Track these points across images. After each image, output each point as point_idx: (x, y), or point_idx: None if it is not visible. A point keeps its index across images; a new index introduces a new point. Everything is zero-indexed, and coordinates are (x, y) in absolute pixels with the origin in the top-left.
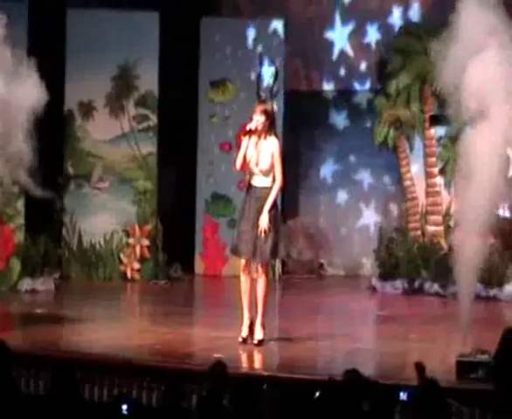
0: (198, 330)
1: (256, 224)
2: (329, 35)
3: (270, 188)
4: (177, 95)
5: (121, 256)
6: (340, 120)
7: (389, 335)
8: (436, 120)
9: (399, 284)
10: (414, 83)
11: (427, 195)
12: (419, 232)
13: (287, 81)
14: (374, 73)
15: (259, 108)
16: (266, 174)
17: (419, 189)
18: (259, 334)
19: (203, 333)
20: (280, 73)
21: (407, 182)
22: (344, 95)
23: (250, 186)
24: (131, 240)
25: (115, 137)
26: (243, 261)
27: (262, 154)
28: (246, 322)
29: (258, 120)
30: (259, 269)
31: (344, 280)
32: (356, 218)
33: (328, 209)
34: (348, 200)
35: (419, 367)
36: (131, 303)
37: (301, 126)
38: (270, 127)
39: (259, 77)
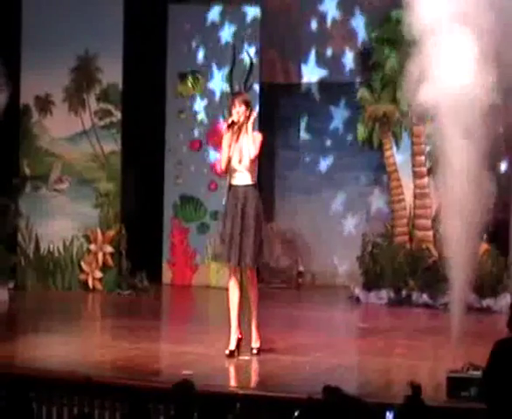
0: (165, 345)
1: (242, 227)
2: (309, 23)
3: (254, 185)
4: (143, 89)
5: (82, 264)
6: (320, 115)
7: (373, 350)
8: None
9: (384, 294)
10: (400, 76)
11: (415, 196)
12: (407, 238)
13: (263, 73)
14: (358, 65)
15: (238, 99)
16: (249, 170)
17: (407, 191)
18: (256, 342)
19: (170, 349)
20: (255, 64)
21: (393, 183)
22: (325, 89)
23: (231, 186)
24: (92, 246)
25: (75, 134)
26: (231, 268)
27: (245, 149)
28: (234, 335)
29: (238, 112)
30: (248, 274)
31: (324, 290)
32: (338, 223)
33: (306, 212)
34: (328, 203)
35: (414, 387)
36: (92, 315)
37: (278, 122)
38: (252, 120)
39: (233, 69)
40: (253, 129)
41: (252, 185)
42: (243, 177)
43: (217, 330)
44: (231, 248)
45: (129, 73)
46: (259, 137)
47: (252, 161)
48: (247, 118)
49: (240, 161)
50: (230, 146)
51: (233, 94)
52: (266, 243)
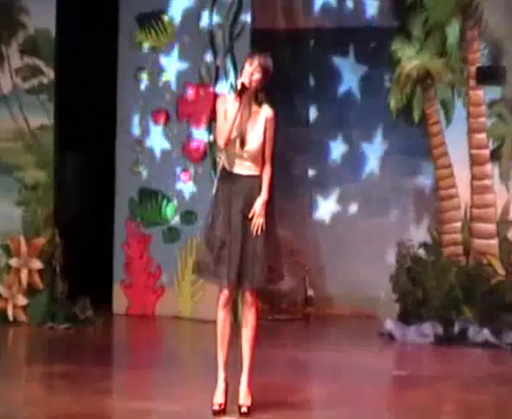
0: (118, 401)
1: (243, 232)
2: None
3: (259, 177)
4: (85, 37)
5: None
6: (335, 74)
7: (413, 407)
8: (486, 76)
9: (429, 329)
10: (451, 19)
11: (473, 191)
12: (460, 249)
13: (257, 15)
14: (389, 5)
15: (257, 60)
16: (254, 157)
17: (461, 183)
18: (246, 399)
19: (125, 406)
20: (246, 3)
21: (442, 172)
22: (342, 37)
23: (227, 174)
24: (14, 261)
25: None
26: (221, 292)
27: (252, 130)
28: (222, 384)
29: (253, 74)
30: (248, 299)
31: (343, 323)
32: (362, 229)
33: (318, 213)
34: (348, 200)
35: None
36: (14, 359)
37: (277, 85)
38: (263, 92)
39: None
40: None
41: (258, 176)
42: (246, 165)
43: (192, 378)
44: (224, 261)
45: (66, 16)
46: (269, 113)
47: (261, 147)
48: (260, 90)
49: (244, 145)
50: (235, 117)
51: (256, 52)
52: (279, 257)
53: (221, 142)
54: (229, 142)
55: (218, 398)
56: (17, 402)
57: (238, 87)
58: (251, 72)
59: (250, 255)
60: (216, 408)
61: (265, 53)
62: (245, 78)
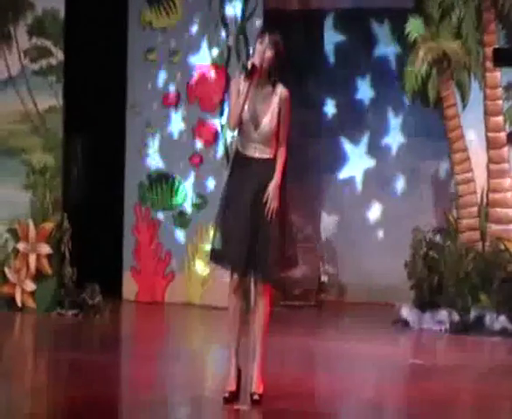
0: (127, 390)
1: (255, 216)
2: None
3: (273, 160)
4: (94, 18)
5: (6, 271)
6: (350, 56)
7: (429, 397)
8: (503, 58)
9: (445, 316)
10: (467, 0)
11: (490, 175)
12: (477, 234)
13: None
14: None
15: (269, 39)
16: (267, 140)
17: (477, 167)
18: (258, 387)
19: (134, 396)
20: None
21: (458, 155)
22: (356, 17)
23: (240, 157)
24: (21, 246)
25: None
26: (233, 277)
27: (265, 111)
28: (233, 371)
29: (265, 52)
30: (259, 288)
31: (358, 310)
32: (377, 214)
33: (332, 198)
34: (363, 186)
35: None
36: (20, 347)
37: (290, 63)
38: (277, 71)
39: None
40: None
41: (272, 159)
42: (259, 149)
43: (202, 366)
44: (236, 245)
45: None
46: (284, 94)
47: (275, 129)
48: (272, 69)
49: (256, 128)
50: (245, 98)
51: (266, 30)
52: (293, 244)
53: (231, 124)
54: (240, 124)
55: (230, 385)
56: (23, 390)
57: (249, 68)
58: (262, 51)
59: (263, 241)
60: (227, 395)
61: (275, 32)
62: (256, 59)
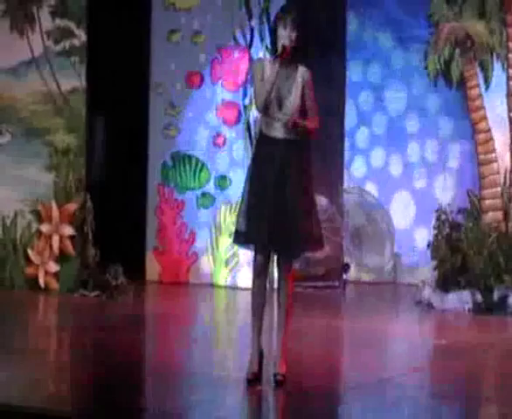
0: (147, 368)
1: (280, 196)
2: None
3: (299, 141)
4: None
5: (29, 252)
6: (374, 36)
7: (454, 377)
8: None
9: (468, 296)
10: None
11: None
12: (500, 214)
13: None
14: None
15: (292, 19)
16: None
17: (501, 147)
18: (281, 367)
19: (156, 373)
20: None
21: (481, 136)
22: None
23: (265, 138)
24: (45, 227)
25: (19, 64)
26: (257, 258)
27: (289, 92)
28: (256, 353)
29: (291, 36)
30: (284, 269)
31: (380, 291)
32: (399, 193)
33: (356, 180)
34: (385, 165)
35: None
36: (43, 327)
37: (314, 43)
38: (298, 50)
39: None
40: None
41: (297, 140)
42: (283, 128)
43: (226, 346)
44: (261, 228)
45: None
46: (306, 74)
47: (299, 108)
48: (296, 50)
49: (280, 108)
50: (275, 80)
51: (285, 10)
52: (318, 225)
53: (259, 106)
54: (267, 106)
55: (252, 367)
56: (47, 369)
57: (279, 51)
58: (288, 33)
59: (289, 220)
60: (250, 376)
61: (296, 12)
62: (286, 41)
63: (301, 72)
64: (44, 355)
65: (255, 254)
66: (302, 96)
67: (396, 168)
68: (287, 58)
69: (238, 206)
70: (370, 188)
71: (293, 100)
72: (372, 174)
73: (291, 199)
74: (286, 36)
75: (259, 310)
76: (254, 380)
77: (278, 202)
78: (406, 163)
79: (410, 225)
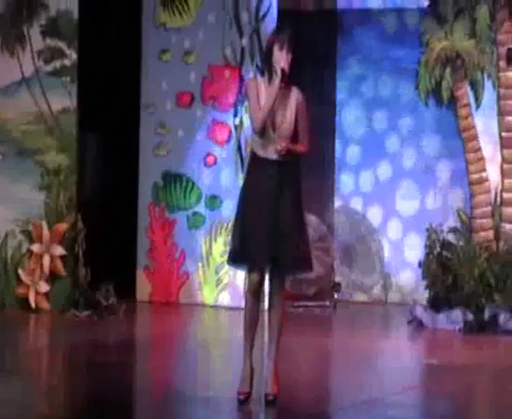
0: (140, 389)
1: (274, 218)
2: None
3: (292, 163)
4: (109, 18)
5: (20, 272)
6: (365, 55)
7: (445, 397)
8: None
9: (459, 315)
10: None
11: (504, 174)
12: (491, 233)
13: None
14: None
15: (288, 41)
16: (285, 141)
17: (491, 166)
18: (273, 387)
19: (147, 394)
20: None
21: (471, 155)
22: (371, 18)
23: (258, 159)
24: (36, 247)
25: (11, 84)
26: (251, 277)
27: (282, 113)
28: (247, 371)
29: (287, 58)
30: (277, 287)
31: (372, 310)
32: (391, 213)
33: (347, 199)
34: (376, 185)
35: None
36: (34, 347)
37: (305, 64)
38: (294, 73)
39: None
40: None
41: (289, 161)
42: (276, 149)
43: (216, 366)
44: (254, 246)
45: None
46: (300, 96)
47: (291, 131)
48: (289, 70)
49: (274, 128)
50: (274, 102)
51: (281, 32)
52: (308, 247)
53: (257, 127)
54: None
55: (244, 385)
56: (38, 391)
57: (278, 74)
58: (285, 56)
59: (281, 241)
60: (241, 397)
61: (290, 33)
62: (284, 65)
63: (295, 94)
64: (34, 376)
65: (249, 273)
66: (296, 118)
67: (386, 187)
68: (282, 80)
69: (231, 226)
70: (360, 206)
71: (287, 123)
72: (362, 192)
73: (285, 219)
74: (283, 58)
75: (252, 328)
76: (245, 399)
77: (272, 223)
78: (396, 182)
79: (400, 244)
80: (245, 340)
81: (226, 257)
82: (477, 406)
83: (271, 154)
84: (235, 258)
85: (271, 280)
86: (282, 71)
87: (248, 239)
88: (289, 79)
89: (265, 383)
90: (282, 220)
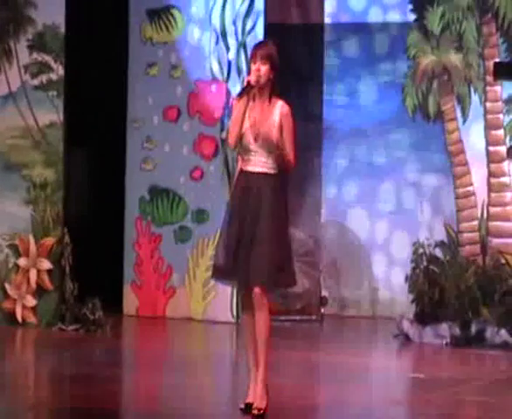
0: (127, 403)
1: (254, 232)
2: None
3: (274, 174)
4: (95, 33)
5: (6, 286)
6: (351, 70)
7: (430, 411)
8: (504, 72)
9: (446, 330)
10: (468, 14)
11: (490, 188)
12: (477, 248)
13: (269, 9)
14: None
15: (261, 53)
16: (267, 152)
17: (478, 181)
18: (260, 401)
19: (134, 409)
20: None
21: (458, 169)
22: (358, 31)
23: (242, 173)
24: (22, 261)
25: None
26: (240, 291)
27: (264, 125)
28: (252, 383)
29: (259, 70)
30: (257, 297)
31: (359, 324)
32: (377, 228)
33: (333, 211)
34: (364, 197)
35: None
36: (21, 361)
37: (291, 80)
38: (274, 83)
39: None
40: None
41: (273, 174)
42: (259, 161)
43: (203, 380)
44: (240, 262)
45: (76, 11)
46: (284, 109)
47: (276, 142)
48: (269, 81)
49: (256, 140)
50: (243, 115)
51: (255, 45)
52: (290, 261)
53: (231, 143)
54: (239, 141)
55: (247, 397)
56: (24, 405)
57: (245, 86)
58: (256, 67)
59: (259, 253)
60: (242, 406)
61: (267, 44)
62: (251, 76)
63: (279, 107)
64: (20, 391)
65: (238, 288)
66: (280, 131)
67: (373, 201)
68: (261, 92)
69: (216, 241)
70: (347, 220)
71: (269, 134)
72: (349, 206)
73: (263, 232)
74: (253, 70)
75: (250, 342)
76: (246, 408)
77: (253, 236)
78: (384, 196)
79: (388, 258)
80: (247, 354)
81: (211, 271)
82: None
83: (253, 166)
84: (218, 274)
85: (251, 293)
86: (248, 83)
87: (230, 256)
88: (271, 92)
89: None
90: (261, 232)
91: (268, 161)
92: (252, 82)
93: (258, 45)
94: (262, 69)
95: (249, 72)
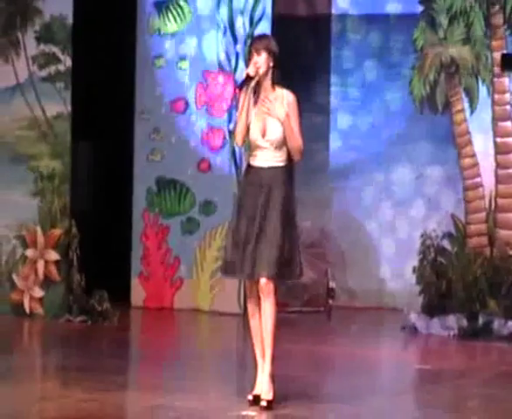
0: (134, 395)
1: (262, 225)
2: None
3: (284, 167)
4: (102, 24)
5: (14, 277)
6: (359, 62)
7: (437, 403)
8: (511, 63)
9: (453, 321)
10: (475, 6)
11: (498, 180)
12: (485, 240)
13: (279, 1)
14: None
15: (258, 44)
16: (277, 146)
17: (486, 172)
18: (267, 392)
19: (142, 401)
20: None
21: (466, 161)
22: (365, 24)
23: (250, 168)
24: (30, 252)
25: (4, 89)
26: (247, 285)
27: (271, 117)
28: (259, 375)
29: (257, 63)
30: (263, 287)
31: (366, 316)
32: (385, 219)
33: (340, 204)
34: (371, 190)
35: None
36: (29, 352)
37: (298, 72)
38: (276, 69)
39: None
40: (279, 86)
41: (281, 167)
42: (268, 156)
43: (210, 372)
44: (247, 255)
45: (83, 2)
46: (290, 97)
47: (284, 134)
48: (270, 71)
49: (264, 134)
50: (246, 110)
51: (252, 38)
52: (297, 253)
53: (237, 141)
54: (247, 137)
55: (255, 389)
56: (30, 397)
57: (243, 79)
58: (254, 60)
59: (266, 245)
60: (250, 397)
61: (261, 36)
62: (250, 69)
63: (284, 96)
64: (28, 382)
65: (246, 282)
66: (288, 120)
67: (380, 192)
68: (265, 85)
69: (225, 235)
70: (355, 212)
71: (276, 126)
72: (357, 198)
73: (271, 225)
74: (252, 62)
75: (257, 333)
76: (254, 401)
77: (260, 229)
78: (390, 187)
79: (395, 250)
80: (254, 345)
81: (220, 266)
82: (467, 411)
83: (262, 161)
84: (227, 269)
85: (258, 283)
86: (247, 75)
87: (241, 250)
88: (273, 78)
89: (260, 388)
90: (269, 225)
91: (276, 154)
92: (251, 73)
93: (252, 40)
94: (259, 60)
95: (248, 66)
